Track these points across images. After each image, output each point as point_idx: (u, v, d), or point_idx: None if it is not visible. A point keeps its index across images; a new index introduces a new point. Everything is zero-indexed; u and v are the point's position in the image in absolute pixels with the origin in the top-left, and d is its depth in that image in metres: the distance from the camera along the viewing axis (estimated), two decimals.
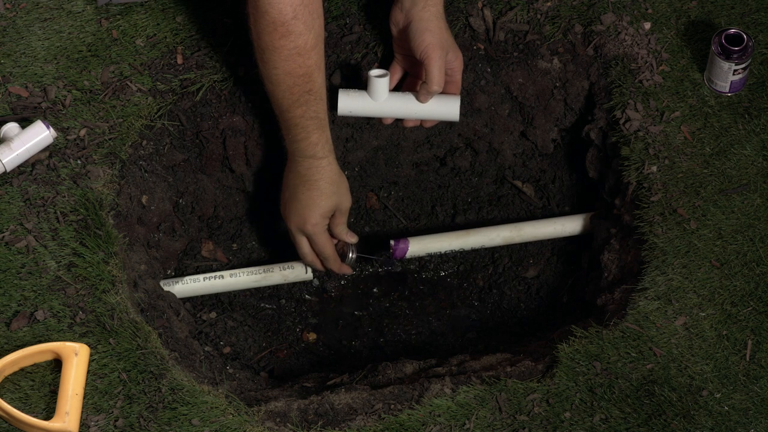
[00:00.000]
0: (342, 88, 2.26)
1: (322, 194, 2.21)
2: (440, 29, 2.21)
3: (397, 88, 2.31)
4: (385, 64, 2.34)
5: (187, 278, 2.33)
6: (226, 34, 2.32)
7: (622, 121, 2.28)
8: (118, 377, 2.02)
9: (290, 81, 2.10)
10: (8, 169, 2.15)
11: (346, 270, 2.33)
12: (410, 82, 2.32)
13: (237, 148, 2.36)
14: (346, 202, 2.26)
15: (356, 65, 2.34)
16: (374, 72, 2.23)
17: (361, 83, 2.35)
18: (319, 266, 2.32)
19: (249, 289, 2.42)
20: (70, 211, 2.14)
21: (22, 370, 2.02)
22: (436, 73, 2.19)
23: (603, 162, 2.35)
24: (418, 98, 2.24)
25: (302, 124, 2.14)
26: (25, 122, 2.19)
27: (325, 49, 2.34)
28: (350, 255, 2.32)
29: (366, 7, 2.35)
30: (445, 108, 2.26)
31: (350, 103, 2.24)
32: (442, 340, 2.45)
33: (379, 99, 2.25)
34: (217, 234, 2.45)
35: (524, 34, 2.36)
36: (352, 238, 2.30)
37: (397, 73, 2.31)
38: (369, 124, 2.41)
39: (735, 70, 2.23)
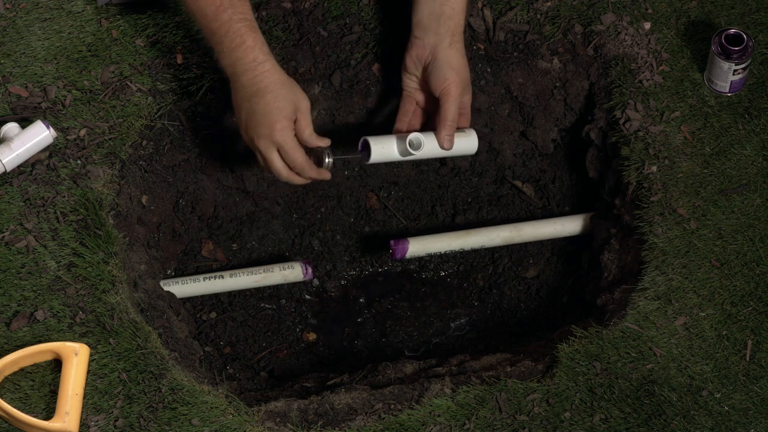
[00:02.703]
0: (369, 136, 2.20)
1: (278, 97, 2.09)
2: (464, 67, 2.19)
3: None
4: (385, 64, 2.34)
5: (187, 278, 2.33)
6: None
7: (622, 121, 2.28)
8: (118, 377, 2.02)
9: None
10: (8, 169, 2.15)
11: (325, 174, 2.15)
12: (417, 112, 2.28)
13: (237, 148, 2.36)
14: (304, 100, 2.13)
15: (356, 65, 2.34)
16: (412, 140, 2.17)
17: (360, 83, 2.35)
18: (297, 179, 2.14)
19: (249, 289, 2.42)
20: (70, 211, 2.14)
21: (22, 370, 2.02)
22: (452, 110, 2.17)
23: (603, 162, 2.35)
24: (441, 145, 2.18)
25: (233, 29, 2.07)
26: (25, 122, 2.19)
27: (325, 49, 2.34)
28: (326, 160, 2.15)
29: (366, 7, 2.35)
30: (464, 144, 2.23)
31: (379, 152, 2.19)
32: (442, 340, 2.45)
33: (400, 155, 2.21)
34: (217, 234, 2.45)
35: (524, 34, 2.36)
36: (323, 142, 2.13)
37: (416, 116, 2.26)
38: (368, 123, 2.40)
39: (735, 70, 2.23)
